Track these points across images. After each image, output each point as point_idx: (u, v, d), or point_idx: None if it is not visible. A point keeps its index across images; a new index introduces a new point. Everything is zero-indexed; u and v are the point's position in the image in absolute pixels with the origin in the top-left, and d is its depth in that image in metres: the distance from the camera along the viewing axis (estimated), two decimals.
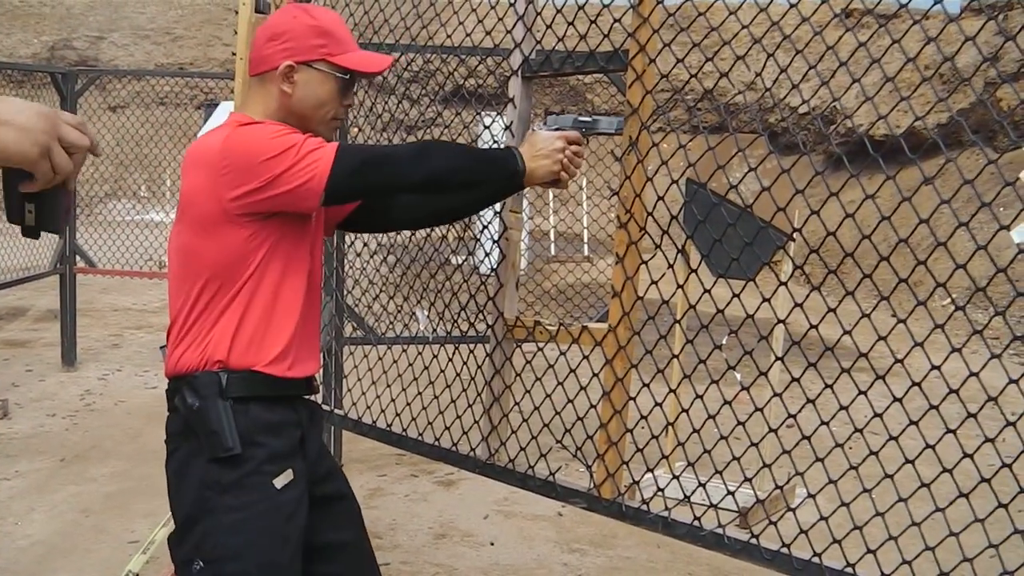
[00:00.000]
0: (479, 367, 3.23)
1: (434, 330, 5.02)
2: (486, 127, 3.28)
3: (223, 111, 9.47)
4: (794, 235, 3.15)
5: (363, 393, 3.67)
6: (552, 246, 14.86)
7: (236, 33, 4.05)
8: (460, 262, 4.04)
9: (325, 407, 3.87)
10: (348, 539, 2.87)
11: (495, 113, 3.50)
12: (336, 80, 2.63)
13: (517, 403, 3.15)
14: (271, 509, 2.55)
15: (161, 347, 2.74)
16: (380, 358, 3.67)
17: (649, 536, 3.06)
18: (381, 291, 4.14)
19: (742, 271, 2.85)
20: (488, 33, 3.47)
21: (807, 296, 2.56)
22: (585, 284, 7.88)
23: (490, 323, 3.18)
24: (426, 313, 6.10)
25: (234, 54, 4.13)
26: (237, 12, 3.99)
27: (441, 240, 3.72)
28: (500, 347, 3.16)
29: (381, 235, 3.66)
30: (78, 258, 9.10)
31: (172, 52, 26.66)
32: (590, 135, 3.00)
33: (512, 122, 3.15)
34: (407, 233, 3.74)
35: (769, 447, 4.90)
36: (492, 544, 5.32)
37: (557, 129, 2.93)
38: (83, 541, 5.19)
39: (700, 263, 2.86)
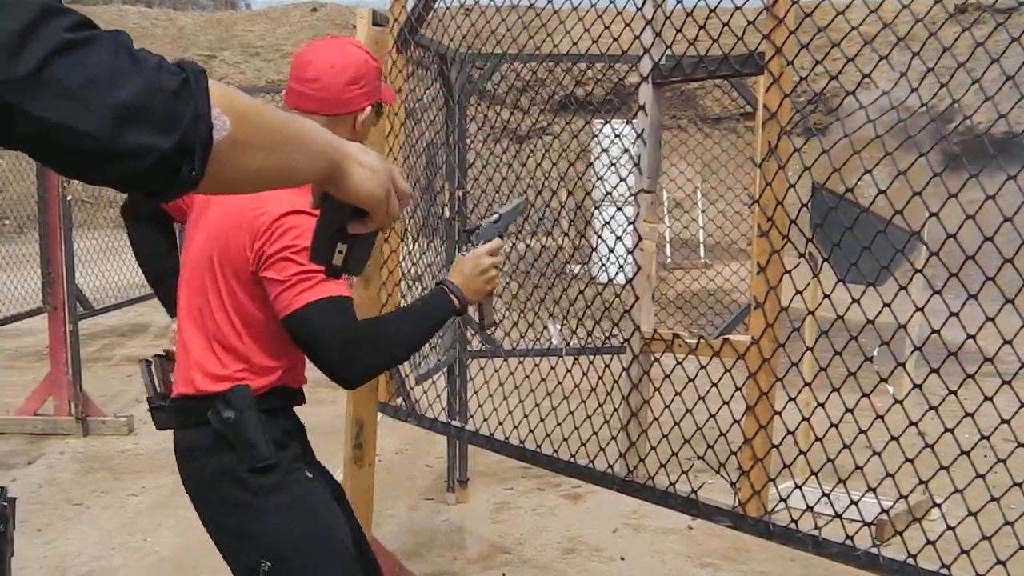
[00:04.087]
0: (615, 381, 3.14)
1: (567, 343, 4.94)
2: (611, 137, 3.21)
3: None
4: (918, 238, 3.04)
5: (495, 409, 3.59)
6: (669, 252, 14.71)
7: None
8: (579, 272, 3.97)
9: (456, 424, 3.82)
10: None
11: (621, 122, 3.41)
12: (377, 113, 2.84)
13: (656, 418, 3.06)
14: (315, 498, 2.76)
15: (146, 360, 2.99)
16: (512, 372, 3.60)
17: (783, 549, 2.95)
18: (510, 306, 4.07)
19: (878, 278, 2.73)
20: (616, 39, 3.38)
21: (928, 300, 2.45)
22: (711, 292, 7.74)
23: (626, 336, 3.10)
24: (559, 326, 6.03)
25: None
26: (354, 26, 3.98)
27: (559, 251, 3.65)
28: (637, 361, 3.07)
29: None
30: None
31: (281, 69, 26.93)
32: (509, 225, 3.16)
33: (643, 130, 3.07)
34: (521, 246, 3.73)
35: (913, 459, 4.75)
36: (622, 559, 5.23)
37: (485, 241, 3.00)
38: (209, 559, 5.15)
39: (846, 271, 2.73)
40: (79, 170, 1.27)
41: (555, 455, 3.33)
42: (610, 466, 3.15)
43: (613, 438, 3.13)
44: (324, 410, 8.39)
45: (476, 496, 6.22)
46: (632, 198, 3.09)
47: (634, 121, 3.14)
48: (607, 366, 3.24)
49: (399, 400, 3.95)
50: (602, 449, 3.18)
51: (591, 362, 3.31)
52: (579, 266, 6.67)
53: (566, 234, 3.78)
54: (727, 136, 7.25)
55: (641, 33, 3.07)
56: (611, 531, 5.62)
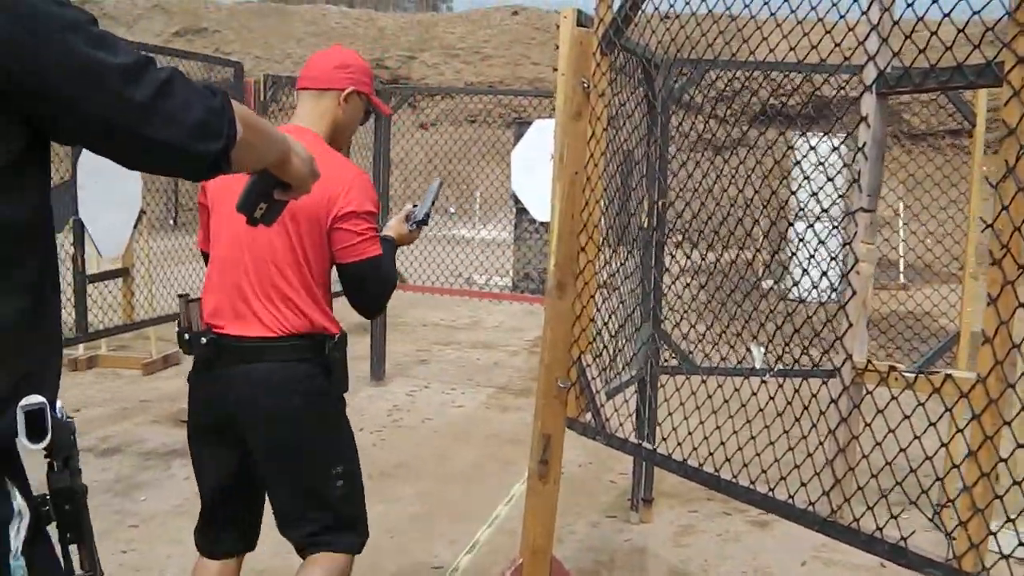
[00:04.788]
0: (821, 412, 2.92)
1: (771, 368, 4.71)
2: (823, 152, 2.99)
3: (536, 130, 9.43)
4: None
5: (689, 433, 3.38)
6: None
7: (557, 48, 3.91)
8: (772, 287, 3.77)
9: (647, 446, 3.64)
10: None
11: (833, 136, 3.18)
12: (366, 113, 3.60)
13: (865, 456, 2.82)
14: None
15: (188, 297, 3.49)
16: (710, 396, 3.39)
17: None
18: (712, 324, 3.86)
19: None
20: (838, 44, 3.16)
21: None
22: (917, 317, 7.37)
23: (837, 365, 2.87)
24: (762, 350, 5.79)
25: (555, 70, 3.99)
26: (557, 26, 3.87)
27: (766, 269, 3.44)
28: (847, 392, 2.85)
29: (692, 255, 3.65)
30: None
31: (481, 71, 27.14)
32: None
33: (865, 144, 2.85)
34: (712, 258, 3.64)
35: None
36: None
37: (417, 218, 3.87)
38: (387, 563, 5.15)
39: None
40: (152, 167, 1.89)
41: (752, 487, 3.12)
42: (811, 504, 2.93)
43: (816, 474, 2.90)
44: (509, 416, 8.34)
45: (660, 516, 6.03)
46: (848, 217, 2.88)
47: (853, 135, 2.92)
48: (814, 395, 3.00)
49: (588, 416, 3.79)
50: (804, 484, 2.96)
51: (796, 390, 3.07)
52: (783, 285, 6.41)
53: (775, 252, 3.58)
54: (939, 154, 6.89)
55: (865, 39, 2.86)
56: (799, 563, 5.36)
